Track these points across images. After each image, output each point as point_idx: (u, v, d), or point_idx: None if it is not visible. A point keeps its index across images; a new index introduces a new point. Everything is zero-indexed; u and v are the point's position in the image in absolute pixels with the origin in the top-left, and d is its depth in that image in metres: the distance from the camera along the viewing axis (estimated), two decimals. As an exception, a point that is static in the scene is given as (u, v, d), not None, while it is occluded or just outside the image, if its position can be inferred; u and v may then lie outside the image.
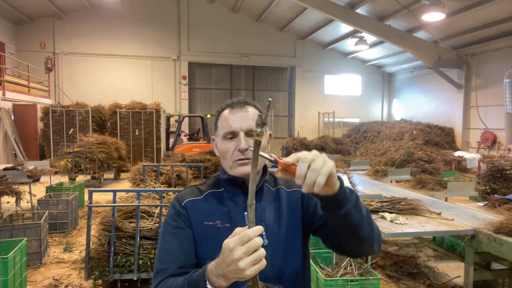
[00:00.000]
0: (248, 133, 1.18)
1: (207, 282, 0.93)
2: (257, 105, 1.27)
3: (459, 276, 3.87)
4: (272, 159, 0.95)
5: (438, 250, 4.23)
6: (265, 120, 0.89)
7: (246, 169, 1.16)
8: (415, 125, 14.90)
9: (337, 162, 6.79)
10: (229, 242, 0.87)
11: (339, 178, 0.98)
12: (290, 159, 0.91)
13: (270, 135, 1.29)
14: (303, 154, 0.91)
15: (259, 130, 0.89)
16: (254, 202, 0.92)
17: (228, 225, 1.17)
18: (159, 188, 4.70)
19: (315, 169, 0.88)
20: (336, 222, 1.05)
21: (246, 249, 0.84)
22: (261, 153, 0.92)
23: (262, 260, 0.86)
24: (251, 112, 1.21)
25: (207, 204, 1.22)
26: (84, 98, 13.23)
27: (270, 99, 0.94)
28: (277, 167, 0.97)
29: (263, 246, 1.15)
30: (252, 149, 0.92)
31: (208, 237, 1.17)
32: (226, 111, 1.23)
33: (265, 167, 1.28)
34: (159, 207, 3.52)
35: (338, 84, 18.24)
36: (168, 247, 1.15)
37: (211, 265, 0.94)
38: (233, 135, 1.19)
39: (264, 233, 1.16)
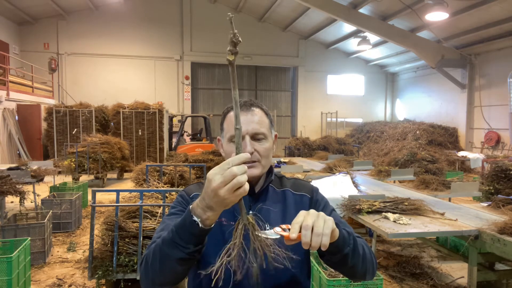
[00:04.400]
0: (254, 136, 1.19)
1: (192, 216, 0.93)
2: (263, 106, 1.28)
3: (463, 277, 3.86)
4: (278, 236, 0.96)
5: (442, 251, 4.22)
6: (236, 40, 0.87)
7: (251, 172, 1.17)
8: (419, 125, 14.84)
9: (340, 162, 6.78)
10: (210, 171, 0.89)
11: (337, 225, 1.02)
12: (295, 231, 0.93)
13: (275, 135, 1.30)
14: (304, 220, 0.93)
15: (231, 48, 0.88)
16: (240, 126, 0.93)
17: (233, 223, 1.17)
18: (162, 188, 4.71)
19: (318, 234, 0.91)
20: (333, 262, 1.11)
21: (223, 178, 0.86)
22: (265, 233, 0.95)
23: (243, 187, 0.87)
24: (257, 115, 1.23)
25: None
26: (87, 98, 13.28)
27: (230, 14, 0.89)
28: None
29: None
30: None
31: (213, 233, 1.16)
32: (232, 113, 1.24)
33: (270, 168, 1.28)
34: (162, 207, 3.53)
35: (341, 84, 18.21)
36: (170, 224, 1.14)
37: (195, 201, 0.95)
38: None
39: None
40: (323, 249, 0.93)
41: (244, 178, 0.87)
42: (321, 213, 0.96)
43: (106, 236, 3.47)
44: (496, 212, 3.63)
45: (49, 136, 11.92)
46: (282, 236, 0.95)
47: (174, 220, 1.14)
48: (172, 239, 0.97)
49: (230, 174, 0.86)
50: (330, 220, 0.95)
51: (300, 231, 0.92)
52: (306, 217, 0.94)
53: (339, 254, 1.05)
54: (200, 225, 0.93)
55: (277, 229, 0.97)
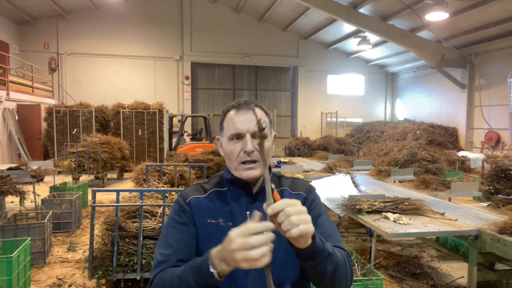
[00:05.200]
0: (254, 135, 1.19)
1: (210, 266, 0.96)
2: (263, 106, 1.29)
3: (463, 277, 3.85)
4: (272, 187, 0.99)
5: (442, 251, 4.22)
6: (260, 126, 0.98)
7: (252, 173, 1.18)
8: (419, 125, 14.84)
9: (340, 162, 6.78)
10: (232, 231, 0.91)
11: (314, 236, 0.99)
12: (278, 206, 0.92)
13: (274, 136, 1.30)
14: (289, 207, 0.92)
15: (258, 133, 0.99)
16: (273, 202, 0.94)
17: (231, 223, 1.18)
18: (162, 188, 4.71)
19: (293, 223, 0.91)
20: (304, 265, 1.09)
21: (241, 244, 0.88)
22: (269, 185, 0.98)
23: (260, 259, 0.87)
24: (258, 114, 1.23)
25: (211, 203, 1.24)
26: (87, 98, 13.28)
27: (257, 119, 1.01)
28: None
29: None
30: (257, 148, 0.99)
31: (211, 235, 1.18)
32: (232, 112, 1.24)
33: (269, 168, 1.28)
34: (162, 207, 3.53)
35: (341, 84, 18.21)
36: (170, 240, 1.17)
37: (214, 250, 0.97)
38: (239, 136, 1.20)
39: None
40: (288, 236, 0.92)
41: (263, 250, 0.87)
42: (308, 217, 0.95)
43: (106, 236, 3.47)
44: (496, 212, 3.63)
45: (49, 136, 11.92)
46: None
47: (172, 236, 1.17)
48: (188, 282, 1.02)
49: (249, 245, 0.88)
50: (311, 228, 0.94)
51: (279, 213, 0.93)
52: (291, 208, 0.92)
53: (306, 262, 1.04)
54: (215, 276, 0.96)
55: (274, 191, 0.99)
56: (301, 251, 0.99)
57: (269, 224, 0.91)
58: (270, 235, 0.89)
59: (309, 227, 0.93)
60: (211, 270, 0.95)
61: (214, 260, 0.96)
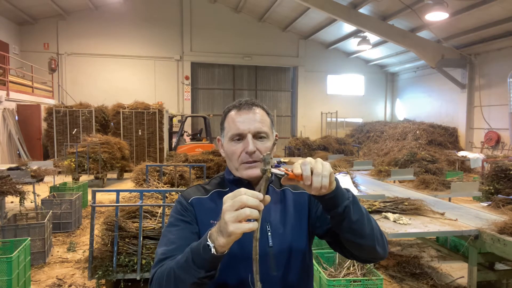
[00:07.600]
0: (256, 135, 1.18)
1: (208, 239, 0.93)
2: (264, 106, 1.28)
3: (463, 277, 3.85)
4: (283, 173, 1.00)
5: (442, 251, 4.22)
6: (270, 159, 0.96)
7: (253, 172, 1.17)
8: (418, 125, 14.85)
9: (340, 162, 6.78)
10: (227, 195, 0.92)
11: (335, 179, 1.03)
12: (297, 168, 0.97)
13: (276, 135, 1.30)
14: (303, 160, 0.98)
15: (267, 167, 0.95)
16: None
17: None
18: (162, 188, 4.71)
19: (318, 173, 0.95)
20: (336, 221, 1.06)
21: (232, 203, 0.88)
22: (272, 170, 0.98)
23: (249, 223, 0.87)
24: (259, 114, 1.22)
25: (213, 203, 1.22)
26: (87, 98, 13.28)
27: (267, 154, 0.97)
28: (281, 163, 1.01)
29: (268, 246, 1.15)
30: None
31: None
32: (233, 112, 1.23)
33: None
34: (162, 207, 3.52)
35: (341, 84, 18.21)
36: (172, 238, 1.13)
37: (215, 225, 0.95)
38: (240, 137, 1.19)
39: (269, 233, 1.17)
40: (324, 191, 0.96)
41: (252, 212, 0.87)
42: (319, 159, 0.99)
43: (106, 236, 3.47)
44: (496, 212, 3.63)
45: (49, 136, 11.92)
46: (286, 173, 0.99)
47: (174, 233, 1.14)
48: (186, 262, 0.96)
49: (239, 202, 0.87)
50: (327, 164, 0.98)
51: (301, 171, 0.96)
52: (305, 160, 0.98)
53: (339, 208, 1.02)
54: (212, 251, 0.91)
55: (281, 168, 1.01)
56: (331, 196, 1.00)
57: (259, 194, 0.90)
58: (260, 203, 0.89)
59: (329, 168, 0.97)
60: (208, 243, 0.92)
61: (213, 233, 0.93)
